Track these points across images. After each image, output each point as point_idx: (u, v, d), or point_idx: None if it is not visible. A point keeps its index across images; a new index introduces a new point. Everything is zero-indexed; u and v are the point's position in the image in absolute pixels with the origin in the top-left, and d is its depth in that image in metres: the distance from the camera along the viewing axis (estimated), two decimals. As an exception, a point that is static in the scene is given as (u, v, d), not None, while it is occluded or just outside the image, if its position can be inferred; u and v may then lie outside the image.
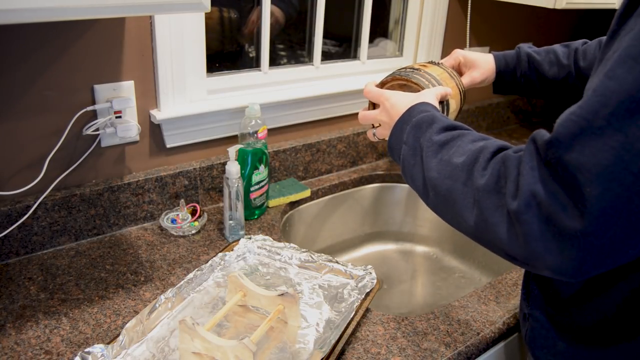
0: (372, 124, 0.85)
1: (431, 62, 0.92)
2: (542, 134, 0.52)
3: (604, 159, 0.45)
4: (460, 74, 0.99)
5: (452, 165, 0.59)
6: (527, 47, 0.97)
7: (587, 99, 0.47)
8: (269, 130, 1.25)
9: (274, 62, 1.30)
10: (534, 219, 0.49)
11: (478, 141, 0.61)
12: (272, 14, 1.22)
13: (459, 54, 0.99)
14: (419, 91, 0.81)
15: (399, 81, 0.87)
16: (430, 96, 0.76)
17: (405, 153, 0.67)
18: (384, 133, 0.79)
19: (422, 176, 0.63)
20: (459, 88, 0.90)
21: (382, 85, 0.88)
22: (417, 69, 0.87)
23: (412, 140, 0.66)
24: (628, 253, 0.47)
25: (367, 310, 0.88)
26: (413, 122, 0.68)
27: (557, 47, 0.96)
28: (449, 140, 0.62)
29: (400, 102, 0.74)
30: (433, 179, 0.61)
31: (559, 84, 0.95)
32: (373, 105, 0.86)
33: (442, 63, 0.94)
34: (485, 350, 0.85)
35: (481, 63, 0.96)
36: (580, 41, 0.97)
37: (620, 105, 0.44)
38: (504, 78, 0.98)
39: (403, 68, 0.90)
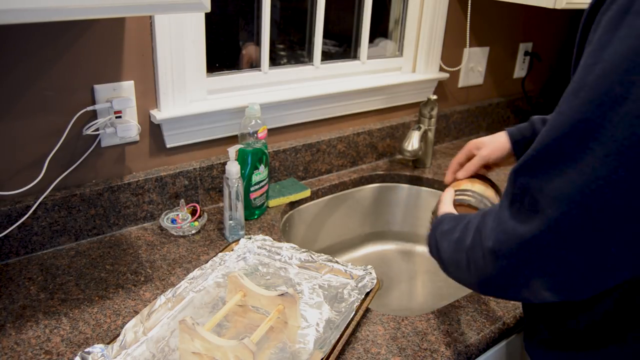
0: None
1: (474, 178, 0.97)
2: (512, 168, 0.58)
3: (560, 183, 0.50)
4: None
5: (454, 241, 0.67)
6: (539, 116, 0.97)
7: (542, 133, 0.53)
8: (269, 130, 1.25)
9: (274, 62, 1.30)
10: (510, 249, 0.55)
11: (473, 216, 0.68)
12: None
13: (469, 143, 1.00)
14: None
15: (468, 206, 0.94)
16: (446, 208, 0.84)
17: (434, 253, 0.75)
18: None
19: (443, 260, 0.71)
20: (495, 189, 0.97)
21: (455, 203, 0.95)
22: (472, 191, 0.94)
23: (434, 242, 0.74)
24: (607, 268, 0.50)
25: (367, 310, 0.88)
26: (434, 230, 0.77)
27: None
28: (454, 226, 0.70)
29: (444, 209, 0.83)
30: (447, 259, 0.69)
31: None
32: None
33: (479, 175, 0.99)
34: (485, 350, 0.85)
35: (489, 141, 0.97)
36: None
37: (566, 136, 0.50)
38: (522, 148, 0.96)
39: (467, 192, 0.95)
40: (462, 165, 1.00)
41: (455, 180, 0.98)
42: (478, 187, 0.94)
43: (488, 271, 0.58)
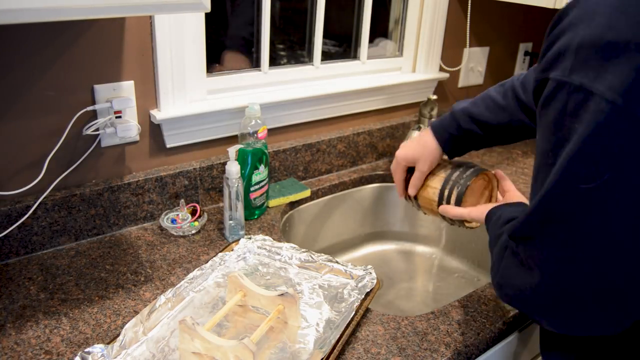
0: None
1: (445, 163, 0.98)
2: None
3: (536, 252, 0.58)
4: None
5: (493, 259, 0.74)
6: (462, 103, 0.94)
7: (527, 211, 0.59)
8: (269, 130, 1.25)
9: (274, 62, 1.30)
10: (507, 291, 0.64)
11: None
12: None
13: (400, 161, 0.99)
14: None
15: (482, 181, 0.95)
16: (474, 213, 0.87)
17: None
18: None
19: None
20: (439, 163, 0.98)
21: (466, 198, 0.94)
22: (443, 186, 0.94)
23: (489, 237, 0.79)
24: (588, 325, 0.57)
25: (367, 310, 0.88)
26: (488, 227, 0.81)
27: (492, 91, 0.93)
28: (499, 235, 0.74)
29: (480, 213, 0.86)
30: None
31: (507, 125, 0.91)
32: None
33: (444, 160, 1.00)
34: (485, 350, 0.85)
35: (420, 154, 0.96)
36: (515, 77, 0.93)
37: (531, 220, 0.57)
38: (453, 147, 0.96)
39: (446, 192, 0.94)
40: (407, 180, 1.00)
41: (416, 193, 0.98)
42: (437, 180, 0.95)
43: (499, 296, 0.68)
